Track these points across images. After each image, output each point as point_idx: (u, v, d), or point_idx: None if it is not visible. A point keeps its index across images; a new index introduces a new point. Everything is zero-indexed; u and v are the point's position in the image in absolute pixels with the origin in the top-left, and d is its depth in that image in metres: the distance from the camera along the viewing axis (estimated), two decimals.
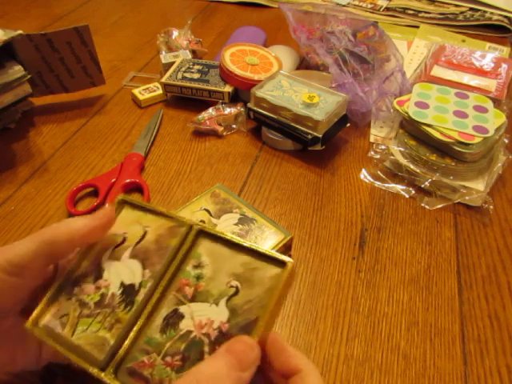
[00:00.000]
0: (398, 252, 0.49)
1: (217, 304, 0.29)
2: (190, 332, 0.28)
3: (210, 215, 0.46)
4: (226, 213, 0.47)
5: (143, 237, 0.33)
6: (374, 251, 0.49)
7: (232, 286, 0.30)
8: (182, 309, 0.30)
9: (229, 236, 0.31)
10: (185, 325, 0.29)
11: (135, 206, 0.35)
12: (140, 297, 0.30)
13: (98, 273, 0.32)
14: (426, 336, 0.42)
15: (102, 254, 0.33)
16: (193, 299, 0.30)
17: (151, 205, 0.34)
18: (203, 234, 0.32)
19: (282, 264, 0.29)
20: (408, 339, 0.41)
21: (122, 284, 0.31)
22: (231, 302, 0.29)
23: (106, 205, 0.32)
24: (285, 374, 0.27)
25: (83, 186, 0.55)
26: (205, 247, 0.32)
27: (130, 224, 0.34)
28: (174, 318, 0.29)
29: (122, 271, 0.32)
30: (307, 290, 0.45)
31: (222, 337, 0.28)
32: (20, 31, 0.57)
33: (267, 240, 0.44)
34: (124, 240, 0.33)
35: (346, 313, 0.43)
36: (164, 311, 0.30)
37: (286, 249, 0.46)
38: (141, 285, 0.31)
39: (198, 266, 0.31)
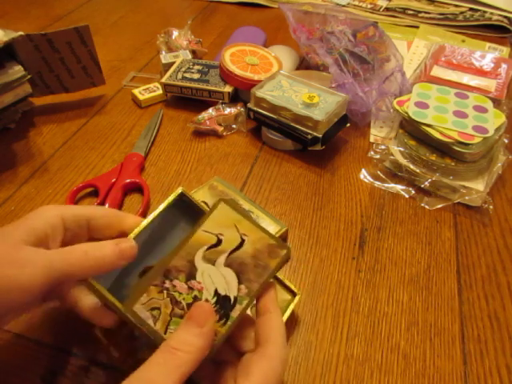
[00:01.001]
0: (398, 252, 0.49)
1: None
2: None
3: (208, 207, 0.47)
4: None
5: (240, 245, 0.32)
6: (373, 251, 0.49)
7: None
8: None
9: None
10: None
11: (234, 207, 0.34)
12: (235, 313, 0.30)
13: (190, 271, 0.31)
14: (425, 336, 0.42)
15: (194, 250, 0.32)
16: None
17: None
18: None
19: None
20: (408, 339, 0.41)
21: (217, 292, 0.31)
22: None
23: (131, 239, 0.32)
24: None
25: (83, 186, 0.55)
26: None
27: (226, 225, 0.33)
28: None
29: (216, 278, 0.31)
30: (307, 290, 0.45)
31: None
32: (20, 32, 0.57)
33: None
34: (219, 242, 0.32)
35: (345, 313, 0.43)
36: None
37: None
38: (236, 300, 0.31)
39: None
